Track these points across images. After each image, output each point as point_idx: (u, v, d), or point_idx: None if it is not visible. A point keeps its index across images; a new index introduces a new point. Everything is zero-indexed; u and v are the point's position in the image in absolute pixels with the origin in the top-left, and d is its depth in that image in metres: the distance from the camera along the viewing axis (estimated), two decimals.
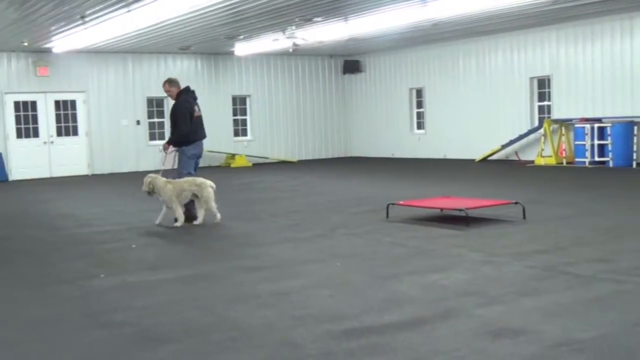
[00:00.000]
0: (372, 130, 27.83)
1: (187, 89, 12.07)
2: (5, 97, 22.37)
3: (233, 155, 25.55)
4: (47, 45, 20.96)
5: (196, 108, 11.90)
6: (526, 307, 5.79)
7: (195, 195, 11.19)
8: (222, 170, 23.43)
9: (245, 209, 13.15)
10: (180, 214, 11.16)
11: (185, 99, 11.84)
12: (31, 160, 22.78)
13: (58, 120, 23.22)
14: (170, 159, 11.90)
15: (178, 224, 11.12)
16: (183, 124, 11.65)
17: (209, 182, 11.19)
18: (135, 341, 5.32)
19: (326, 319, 5.64)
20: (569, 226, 9.83)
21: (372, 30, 19.89)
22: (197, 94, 12.30)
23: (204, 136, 12.05)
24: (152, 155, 24.12)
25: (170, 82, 12.04)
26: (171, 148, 11.85)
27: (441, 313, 5.69)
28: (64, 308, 6.41)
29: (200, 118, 11.95)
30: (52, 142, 23.08)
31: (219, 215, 11.26)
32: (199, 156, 12.02)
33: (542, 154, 20.76)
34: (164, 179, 11.27)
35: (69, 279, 7.60)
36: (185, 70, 25.02)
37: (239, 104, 26.59)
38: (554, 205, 12.14)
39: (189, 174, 11.65)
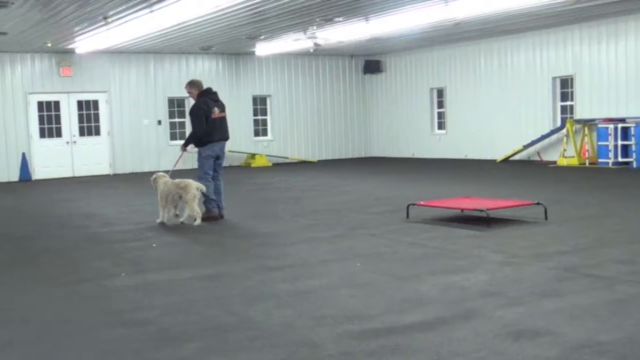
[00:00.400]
0: (393, 130, 27.78)
1: (207, 90, 12.11)
2: (29, 97, 22.53)
3: (253, 155, 25.60)
4: (70, 46, 21.09)
5: (216, 109, 11.90)
6: (547, 308, 5.76)
7: (179, 197, 11.35)
8: (243, 170, 23.50)
9: (266, 209, 13.17)
10: (161, 214, 11.60)
11: (202, 101, 11.89)
12: (54, 159, 22.93)
13: (80, 120, 23.36)
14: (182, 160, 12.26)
15: (157, 220, 11.63)
16: (197, 125, 11.80)
17: (195, 185, 11.24)
18: (156, 339, 5.34)
19: (346, 319, 5.63)
20: (591, 227, 9.76)
21: (393, 30, 19.85)
22: (218, 93, 12.29)
23: (224, 137, 12.08)
24: (173, 155, 24.02)
25: (191, 84, 12.18)
26: (190, 148, 12.05)
27: (462, 314, 5.67)
28: (85, 306, 6.45)
29: (221, 119, 11.99)
30: (74, 142, 23.21)
31: (199, 220, 11.29)
32: (216, 157, 11.98)
33: (565, 154, 20.63)
34: (166, 179, 11.54)
35: (91, 278, 7.65)
36: (207, 71, 25.11)
37: (260, 104, 26.63)
38: (576, 206, 12.07)
39: (206, 174, 11.77)
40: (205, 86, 12.13)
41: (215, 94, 12.18)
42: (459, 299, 6.15)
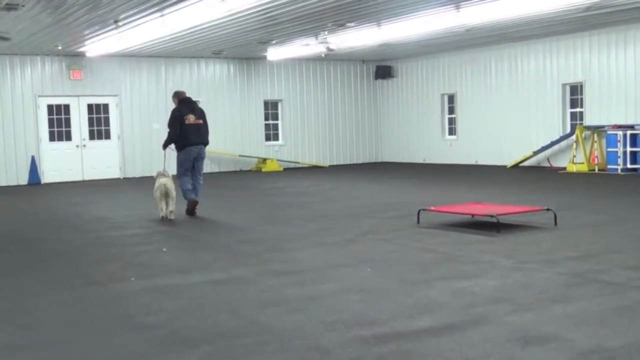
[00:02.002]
0: (404, 135, 27.78)
1: (184, 99, 13.48)
2: (39, 100, 22.59)
3: (264, 160, 25.61)
4: (81, 49, 21.16)
5: (190, 116, 13.18)
6: (557, 314, 5.76)
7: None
8: (254, 175, 23.53)
9: (276, 214, 13.18)
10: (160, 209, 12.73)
11: (177, 109, 13.32)
12: (63, 163, 22.97)
13: (90, 123, 23.40)
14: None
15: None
16: (171, 130, 13.28)
17: (162, 185, 12.51)
18: (166, 343, 5.36)
19: (356, 324, 5.64)
20: (600, 233, 9.75)
21: (405, 36, 19.85)
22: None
23: (199, 142, 13.27)
24: None
25: (173, 94, 13.85)
26: (171, 147, 13.46)
27: (471, 319, 5.67)
28: (95, 310, 6.47)
29: (197, 125, 13.24)
30: (84, 146, 23.27)
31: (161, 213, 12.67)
32: (191, 160, 13.21)
33: (574, 160, 20.60)
34: (162, 179, 12.77)
35: (101, 282, 7.68)
36: (218, 75, 25.13)
37: (271, 109, 26.63)
38: (585, 212, 12.05)
39: (182, 174, 13.19)
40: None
41: (191, 102, 13.50)
42: (468, 304, 6.15)
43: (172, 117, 13.30)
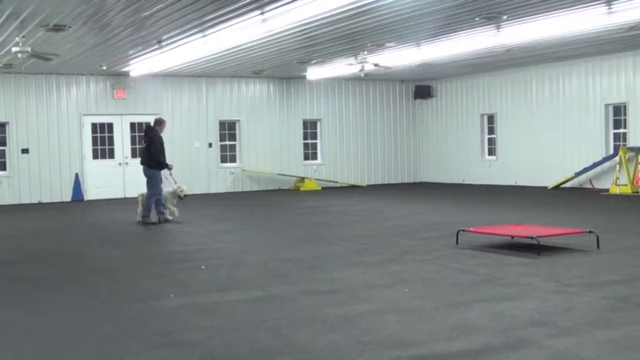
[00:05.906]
0: (443, 155, 27.69)
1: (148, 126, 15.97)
2: (83, 118, 22.92)
3: (303, 179, 25.67)
4: (125, 69, 21.45)
5: (143, 142, 15.78)
6: (599, 339, 5.67)
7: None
8: (292, 194, 23.57)
9: (314, 233, 13.18)
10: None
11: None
12: (106, 180, 23.26)
13: (133, 142, 23.68)
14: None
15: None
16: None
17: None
18: None
19: (393, 345, 5.61)
20: None
21: (444, 56, 19.84)
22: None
23: (142, 163, 15.72)
24: (223, 177, 24.49)
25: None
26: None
27: (510, 343, 5.61)
28: (134, 326, 6.51)
29: (142, 149, 16.32)
30: (126, 164, 23.52)
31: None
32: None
33: (617, 182, 20.34)
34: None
35: (140, 298, 7.72)
36: (258, 94, 25.29)
37: (310, 128, 26.72)
38: (629, 234, 11.87)
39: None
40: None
41: (147, 129, 15.78)
42: (508, 327, 6.08)
43: None
